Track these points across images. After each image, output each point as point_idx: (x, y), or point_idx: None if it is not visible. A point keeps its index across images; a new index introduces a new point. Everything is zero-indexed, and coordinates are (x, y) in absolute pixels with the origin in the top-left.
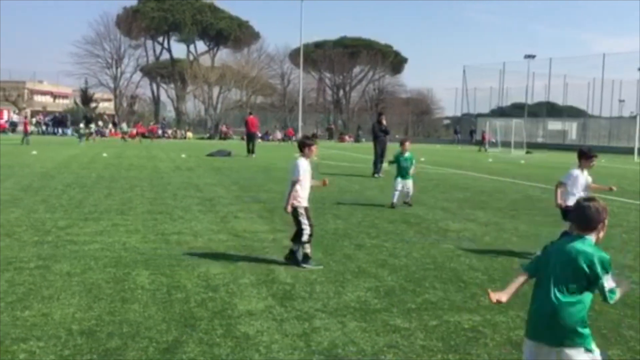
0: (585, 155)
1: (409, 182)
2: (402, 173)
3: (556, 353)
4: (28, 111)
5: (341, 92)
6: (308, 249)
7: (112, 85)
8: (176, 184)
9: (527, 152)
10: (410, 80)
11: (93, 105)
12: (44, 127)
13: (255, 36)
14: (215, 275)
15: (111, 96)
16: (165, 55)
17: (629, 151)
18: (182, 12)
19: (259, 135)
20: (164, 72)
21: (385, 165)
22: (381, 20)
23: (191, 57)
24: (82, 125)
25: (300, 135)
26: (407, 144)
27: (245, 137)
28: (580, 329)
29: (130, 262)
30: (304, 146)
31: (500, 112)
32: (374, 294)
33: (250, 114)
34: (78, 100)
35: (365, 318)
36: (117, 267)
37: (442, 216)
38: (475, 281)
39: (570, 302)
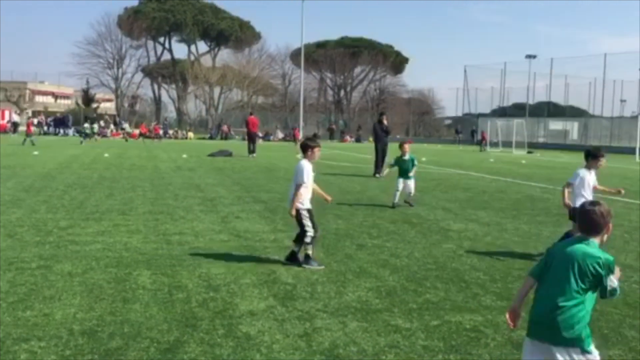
0: (592, 155)
1: (411, 183)
2: (403, 174)
3: (555, 353)
4: (29, 112)
5: (342, 92)
6: (310, 250)
7: (113, 85)
8: (177, 184)
9: (529, 152)
10: (412, 80)
11: (94, 105)
12: (45, 128)
13: (256, 36)
14: (217, 276)
15: (112, 97)
16: (166, 56)
17: (631, 151)
18: (183, 12)
19: (260, 135)
20: (165, 72)
21: (387, 171)
22: (382, 20)
23: (192, 58)
24: (87, 125)
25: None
26: (407, 146)
27: (246, 137)
28: (580, 330)
29: (131, 262)
30: (307, 148)
31: (502, 112)
32: (375, 294)
33: (251, 114)
34: (79, 100)
35: (367, 318)
36: (119, 267)
37: (444, 216)
38: (477, 281)
39: (573, 303)
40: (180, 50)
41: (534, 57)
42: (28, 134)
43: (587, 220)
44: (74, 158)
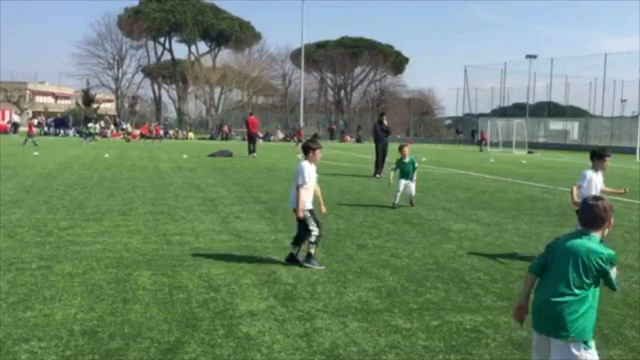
0: (598, 156)
1: (411, 184)
2: (404, 175)
3: (556, 346)
4: (30, 112)
5: (342, 93)
6: (313, 249)
7: (113, 86)
8: (178, 184)
9: (529, 152)
10: (412, 80)
11: (95, 106)
12: (45, 128)
13: (256, 37)
14: (217, 276)
15: (113, 97)
16: (166, 56)
17: (631, 151)
18: (184, 12)
19: (260, 135)
20: (166, 72)
21: (392, 175)
22: (382, 20)
23: (192, 58)
24: (90, 125)
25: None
26: (406, 149)
27: (246, 137)
28: (582, 325)
29: (131, 262)
30: (308, 150)
31: (502, 112)
32: (375, 294)
33: (251, 114)
34: (80, 101)
35: (367, 318)
36: (119, 267)
37: (444, 216)
38: (477, 281)
39: (576, 298)
40: (180, 51)
41: (534, 57)
42: (30, 134)
43: (589, 214)
44: (75, 158)
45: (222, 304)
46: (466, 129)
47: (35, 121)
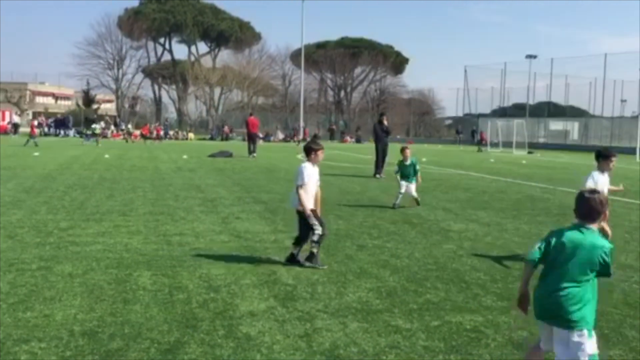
0: (603, 156)
1: (412, 185)
2: (405, 177)
3: (559, 334)
4: (30, 113)
5: (342, 93)
6: (316, 248)
7: (113, 86)
8: (178, 185)
9: (529, 152)
10: (412, 80)
11: (95, 106)
12: (46, 129)
13: (256, 37)
14: (217, 276)
15: (113, 97)
16: (166, 57)
17: (631, 151)
18: (184, 13)
19: (260, 136)
20: (166, 73)
21: (398, 178)
22: (382, 20)
23: (192, 58)
24: (94, 125)
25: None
26: (407, 152)
27: (246, 138)
28: (584, 312)
29: (132, 263)
30: (310, 151)
31: (502, 112)
32: (375, 295)
33: (251, 114)
34: (80, 101)
35: (367, 319)
36: (119, 268)
37: (444, 216)
38: (477, 282)
39: (579, 288)
40: (180, 51)
41: (534, 57)
42: (32, 135)
43: (586, 207)
44: (75, 159)
45: (222, 304)
46: (466, 129)
47: (36, 122)
